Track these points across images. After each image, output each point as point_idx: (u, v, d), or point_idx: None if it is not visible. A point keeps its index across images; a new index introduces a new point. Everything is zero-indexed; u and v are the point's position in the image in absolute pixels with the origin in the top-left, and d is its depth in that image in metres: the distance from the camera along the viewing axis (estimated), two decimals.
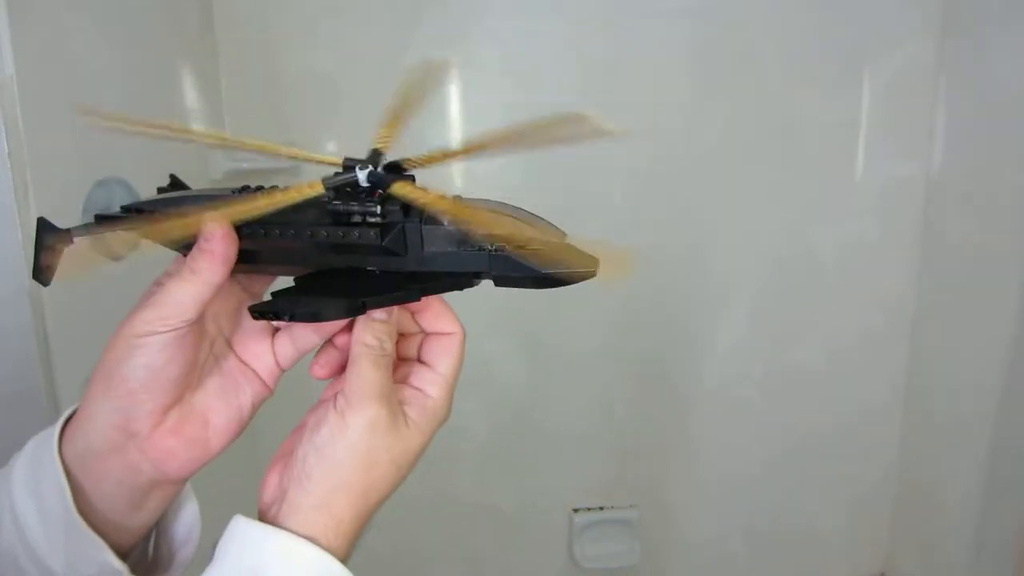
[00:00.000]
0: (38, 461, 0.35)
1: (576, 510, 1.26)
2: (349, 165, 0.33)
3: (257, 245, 0.36)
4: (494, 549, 1.28)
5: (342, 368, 0.38)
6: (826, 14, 1.11)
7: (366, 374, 0.35)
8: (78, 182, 0.65)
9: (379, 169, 0.33)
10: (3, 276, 0.56)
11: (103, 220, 0.39)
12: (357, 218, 0.34)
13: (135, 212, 0.38)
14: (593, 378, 1.21)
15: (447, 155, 0.33)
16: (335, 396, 0.36)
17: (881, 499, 1.27)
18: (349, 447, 0.35)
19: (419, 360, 0.39)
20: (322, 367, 0.39)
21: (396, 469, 0.36)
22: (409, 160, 0.34)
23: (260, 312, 0.35)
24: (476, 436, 1.21)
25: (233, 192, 0.37)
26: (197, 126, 0.97)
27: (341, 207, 0.34)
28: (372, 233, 0.34)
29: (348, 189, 0.34)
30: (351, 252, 0.35)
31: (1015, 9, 0.97)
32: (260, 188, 0.37)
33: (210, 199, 0.36)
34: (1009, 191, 0.98)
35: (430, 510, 1.20)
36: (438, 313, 0.38)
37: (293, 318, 0.35)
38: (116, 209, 0.40)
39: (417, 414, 0.37)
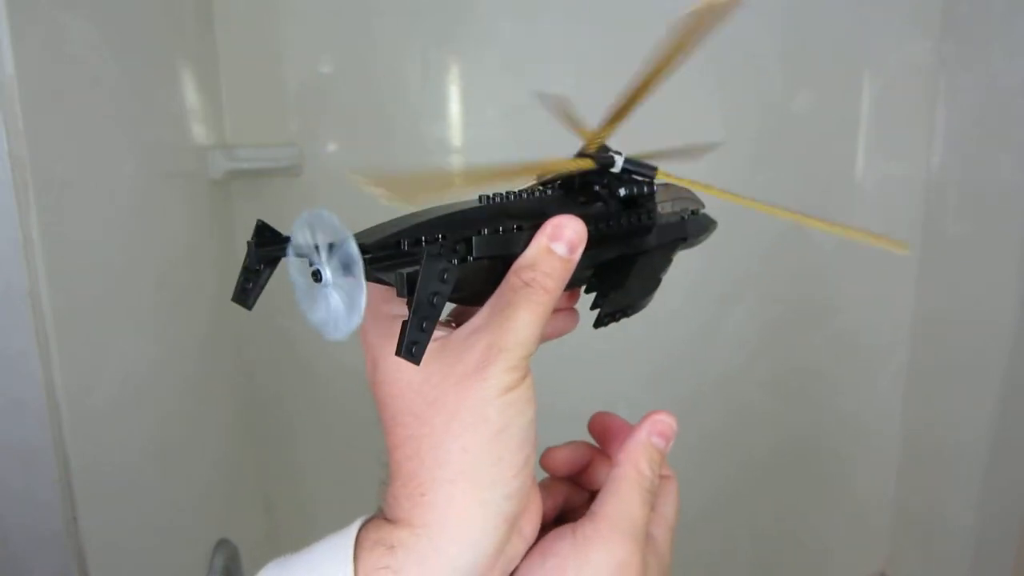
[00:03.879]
0: None
1: None
2: (597, 155, 0.34)
3: None
4: None
5: (573, 468, 0.35)
6: (826, 14, 1.11)
7: (632, 508, 0.30)
8: (78, 181, 0.65)
9: (619, 156, 0.34)
10: (3, 276, 0.56)
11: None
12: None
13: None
14: (595, 376, 1.21)
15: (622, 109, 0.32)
16: (575, 522, 0.30)
17: (881, 499, 1.27)
18: None
19: None
20: (563, 463, 0.35)
21: None
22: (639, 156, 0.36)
23: (610, 316, 0.35)
24: None
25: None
26: (197, 126, 0.96)
27: (635, 190, 0.35)
28: (651, 215, 0.36)
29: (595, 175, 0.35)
30: (630, 237, 0.35)
31: (1015, 9, 0.97)
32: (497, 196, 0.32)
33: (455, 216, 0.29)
34: (1009, 191, 0.98)
35: None
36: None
37: (634, 310, 0.35)
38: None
39: (656, 563, 0.31)
